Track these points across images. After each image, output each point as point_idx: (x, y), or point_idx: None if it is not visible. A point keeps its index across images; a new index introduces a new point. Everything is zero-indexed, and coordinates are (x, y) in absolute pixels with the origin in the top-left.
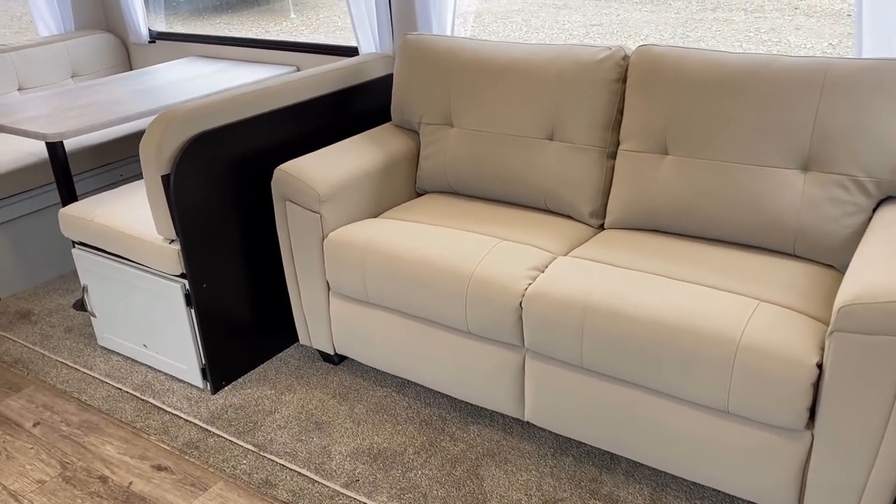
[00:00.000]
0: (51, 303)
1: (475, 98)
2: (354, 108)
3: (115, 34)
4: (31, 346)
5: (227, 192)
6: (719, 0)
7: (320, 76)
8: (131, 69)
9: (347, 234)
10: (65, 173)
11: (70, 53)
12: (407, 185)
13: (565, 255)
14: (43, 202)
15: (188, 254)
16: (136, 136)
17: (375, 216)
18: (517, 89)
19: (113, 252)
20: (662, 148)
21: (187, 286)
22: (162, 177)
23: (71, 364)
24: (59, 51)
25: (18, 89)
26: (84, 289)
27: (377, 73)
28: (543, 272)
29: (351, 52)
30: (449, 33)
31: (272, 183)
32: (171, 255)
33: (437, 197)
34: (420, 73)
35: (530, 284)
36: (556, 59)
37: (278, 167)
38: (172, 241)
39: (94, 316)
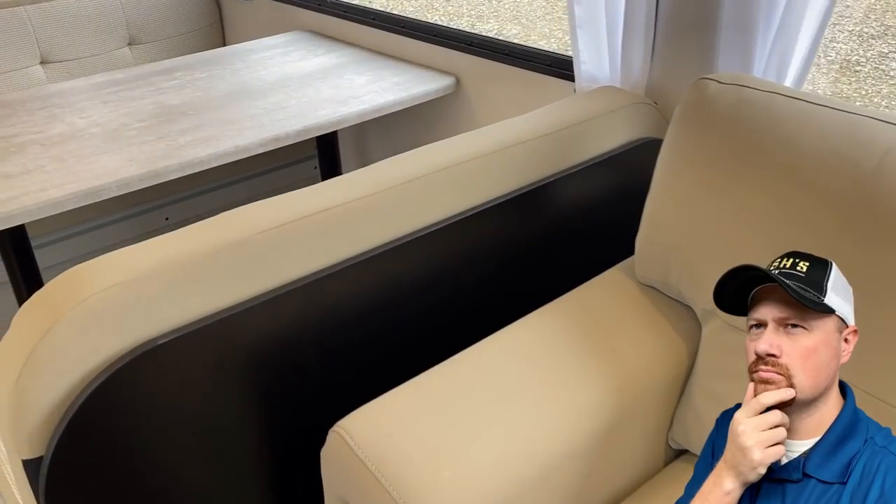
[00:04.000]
0: None
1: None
2: (544, 219)
3: None
4: None
5: (195, 481)
6: None
7: (478, 168)
8: (223, 41)
9: None
10: (21, 257)
11: (125, 10)
12: (651, 434)
13: None
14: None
15: None
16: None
17: None
18: None
19: None
20: None
21: None
22: (25, 462)
23: None
24: (108, 6)
25: (41, 63)
26: None
27: (611, 136)
28: None
29: (560, 66)
30: (791, 81)
31: (322, 458)
32: None
33: None
34: (732, 179)
35: None
36: None
37: (335, 426)
38: None
39: None
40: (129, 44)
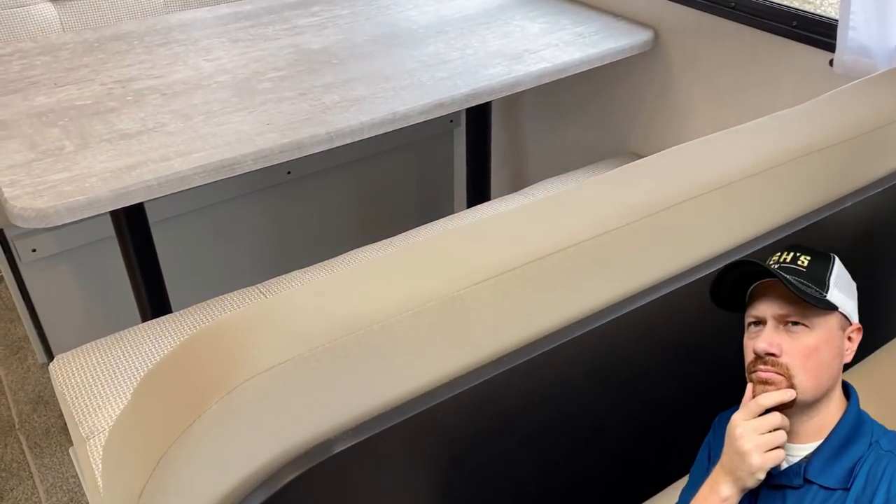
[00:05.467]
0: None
1: None
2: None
3: None
4: None
5: None
6: None
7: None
8: None
9: None
10: (137, 233)
11: None
12: None
13: None
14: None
15: None
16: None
17: None
18: None
19: None
20: None
21: None
22: None
23: None
24: None
25: None
26: None
27: None
28: None
29: (810, 28)
30: None
31: None
32: None
33: None
34: None
35: None
36: None
37: None
38: None
39: None
40: None
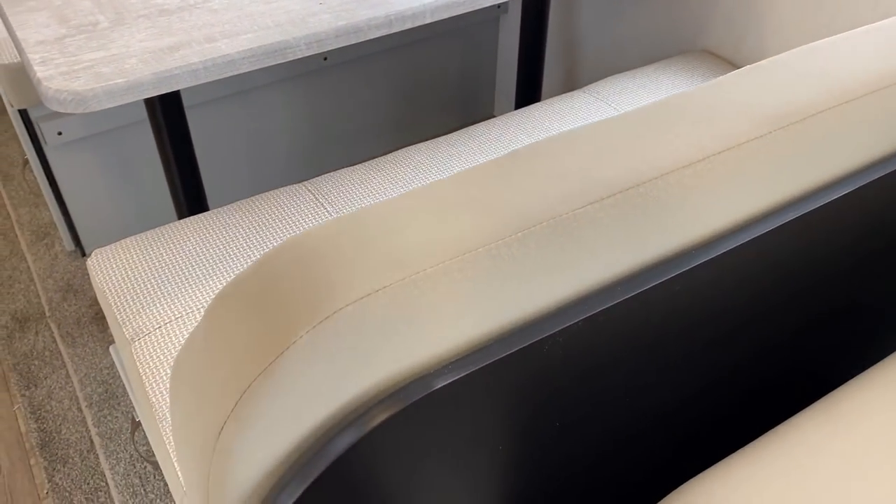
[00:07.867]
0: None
1: None
2: None
3: None
4: None
5: None
6: None
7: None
8: None
9: None
10: (173, 123)
11: None
12: None
13: None
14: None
15: None
16: None
17: None
18: None
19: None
20: None
21: None
22: None
23: None
24: None
25: None
26: (135, 425)
27: None
28: None
29: None
30: None
31: None
32: None
33: None
34: None
35: None
36: None
37: (676, 493)
38: None
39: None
40: None
